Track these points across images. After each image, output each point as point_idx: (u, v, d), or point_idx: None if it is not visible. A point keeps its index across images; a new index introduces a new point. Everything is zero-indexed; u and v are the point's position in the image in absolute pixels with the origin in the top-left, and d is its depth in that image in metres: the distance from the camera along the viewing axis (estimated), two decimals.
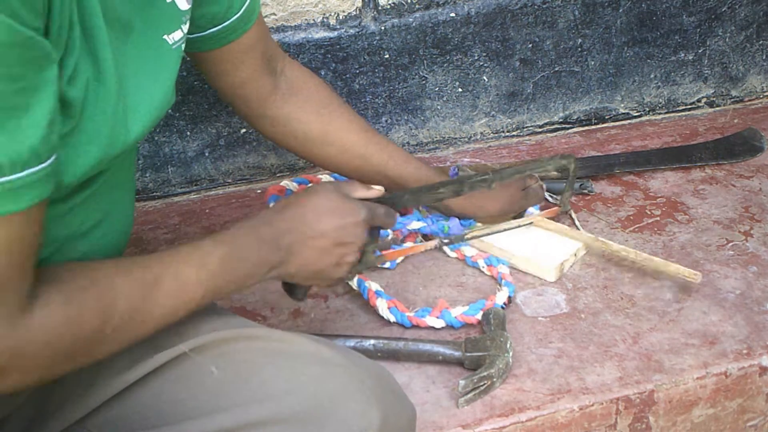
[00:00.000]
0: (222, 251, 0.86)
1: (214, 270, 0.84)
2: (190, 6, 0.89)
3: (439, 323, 1.18)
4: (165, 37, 0.86)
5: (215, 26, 1.03)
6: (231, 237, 0.88)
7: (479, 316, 1.18)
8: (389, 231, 1.31)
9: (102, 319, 0.75)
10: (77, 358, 0.76)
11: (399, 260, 1.32)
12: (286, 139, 1.22)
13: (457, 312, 1.18)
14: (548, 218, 1.36)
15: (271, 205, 1.43)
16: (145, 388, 0.86)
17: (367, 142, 1.23)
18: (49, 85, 0.66)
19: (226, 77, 1.12)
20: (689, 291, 1.26)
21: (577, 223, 1.41)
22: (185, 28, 0.89)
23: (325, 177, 1.49)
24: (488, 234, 1.29)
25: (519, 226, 1.32)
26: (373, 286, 1.23)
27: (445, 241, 1.22)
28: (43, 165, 0.67)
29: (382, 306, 1.20)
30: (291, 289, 1.05)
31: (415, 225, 1.32)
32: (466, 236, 1.27)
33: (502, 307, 1.20)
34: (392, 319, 1.19)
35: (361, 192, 1.01)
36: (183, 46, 0.90)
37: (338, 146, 1.22)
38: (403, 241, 1.34)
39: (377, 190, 1.03)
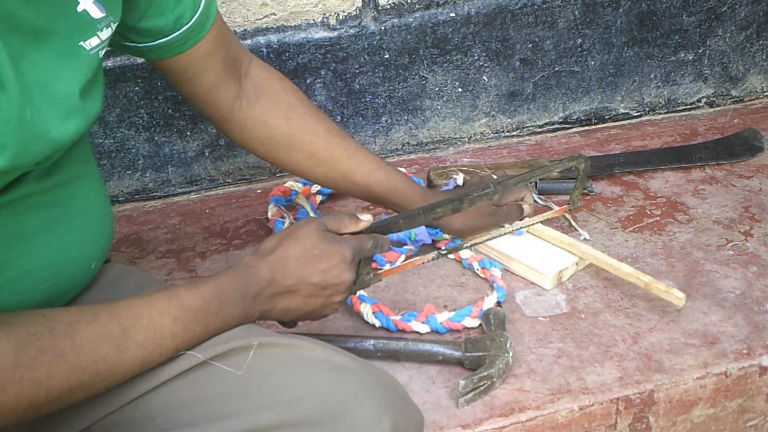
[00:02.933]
0: (199, 303, 0.85)
1: (189, 324, 0.84)
2: (104, 14, 0.88)
3: (425, 328, 1.17)
4: (81, 43, 0.85)
5: (165, 36, 1.02)
6: (211, 288, 0.87)
7: (465, 322, 1.18)
8: None
9: (65, 368, 0.74)
10: (43, 406, 0.74)
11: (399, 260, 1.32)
12: (253, 144, 1.19)
13: (443, 318, 1.17)
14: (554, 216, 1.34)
15: (271, 214, 1.43)
16: (154, 393, 0.86)
17: (335, 147, 1.20)
18: None
19: (190, 85, 1.10)
20: (689, 291, 1.26)
21: (574, 224, 1.41)
22: (103, 34, 0.88)
23: None
24: (485, 241, 1.28)
25: (512, 231, 1.29)
26: None
27: (443, 251, 1.21)
28: None
29: (366, 311, 1.19)
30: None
31: None
32: (465, 245, 1.26)
33: None
34: (377, 323, 1.18)
35: (351, 226, 1.00)
36: (102, 51, 0.89)
37: (304, 151, 1.19)
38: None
39: (366, 221, 1.01)
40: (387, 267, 1.23)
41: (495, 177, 1.47)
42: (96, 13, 0.87)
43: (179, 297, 0.84)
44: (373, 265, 1.23)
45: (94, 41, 0.87)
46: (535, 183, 1.49)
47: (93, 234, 0.93)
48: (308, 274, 0.94)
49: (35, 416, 0.75)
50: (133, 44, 1.02)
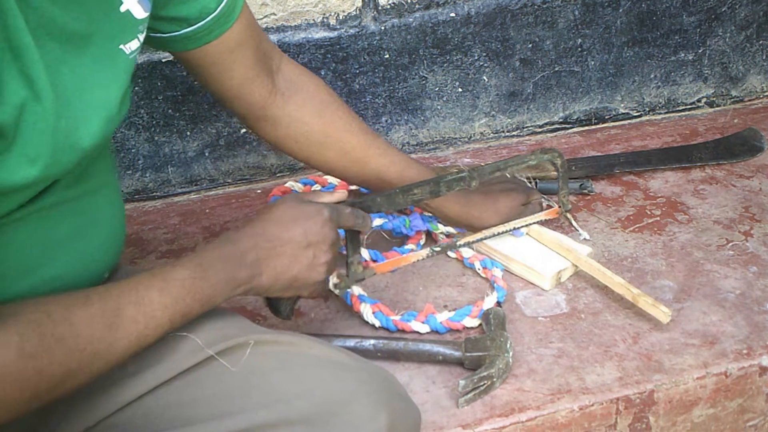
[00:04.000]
0: (184, 274, 0.85)
1: (178, 293, 0.84)
2: (147, 14, 0.88)
3: (424, 328, 1.17)
4: (121, 47, 0.84)
5: (190, 25, 1.00)
6: (193, 259, 0.87)
7: (465, 322, 1.18)
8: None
9: (65, 352, 0.74)
10: (44, 395, 0.74)
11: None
12: (286, 142, 1.19)
13: (443, 318, 1.17)
14: (548, 218, 1.35)
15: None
16: (152, 395, 0.86)
17: (368, 145, 1.20)
18: None
19: (220, 80, 1.09)
20: (689, 291, 1.26)
21: (574, 224, 1.41)
22: (141, 37, 0.88)
23: (330, 179, 1.49)
24: (479, 240, 1.28)
25: (507, 231, 1.30)
26: (356, 290, 1.21)
27: (436, 249, 1.21)
28: None
29: (366, 311, 1.19)
30: (275, 306, 1.03)
31: (377, 222, 1.31)
32: (457, 243, 1.27)
33: None
34: (377, 323, 1.18)
35: (325, 198, 1.02)
36: (137, 55, 0.89)
37: (338, 149, 1.19)
38: (405, 242, 1.34)
39: (341, 193, 1.03)
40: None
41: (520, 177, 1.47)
42: (139, 12, 0.86)
43: (162, 271, 0.84)
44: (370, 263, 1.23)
45: (133, 44, 0.86)
46: (536, 183, 1.49)
47: (110, 243, 0.93)
48: (290, 235, 0.94)
49: (37, 406, 0.75)
50: (158, 35, 1.00)
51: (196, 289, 0.85)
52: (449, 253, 1.34)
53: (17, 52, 0.70)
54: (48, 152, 0.74)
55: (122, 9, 0.84)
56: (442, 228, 1.33)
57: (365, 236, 1.26)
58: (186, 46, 1.03)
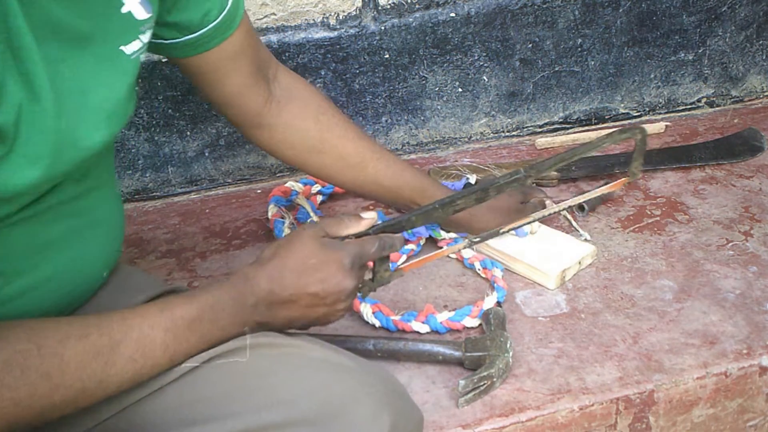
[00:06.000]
0: (193, 313, 0.83)
1: (182, 334, 0.82)
2: (150, 15, 0.87)
3: (425, 328, 1.17)
4: (122, 48, 0.84)
5: (192, 33, 1.00)
6: (206, 299, 0.85)
7: (465, 322, 1.18)
8: None
9: (49, 387, 0.72)
10: (21, 423, 0.73)
11: (400, 261, 1.31)
12: (281, 148, 1.18)
13: (443, 317, 1.17)
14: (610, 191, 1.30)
15: (275, 215, 1.42)
16: (153, 397, 0.85)
17: (363, 150, 1.20)
18: None
19: (218, 87, 1.09)
20: (689, 291, 1.26)
21: (574, 224, 1.40)
22: (145, 37, 0.87)
23: None
24: (507, 231, 1.23)
25: (533, 221, 1.25)
26: None
27: (476, 240, 1.16)
28: None
29: (366, 311, 1.19)
30: None
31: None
32: (475, 240, 1.24)
33: None
34: (377, 324, 1.18)
35: (352, 227, 0.97)
36: (143, 55, 0.88)
37: (334, 155, 1.19)
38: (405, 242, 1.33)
39: (369, 219, 0.98)
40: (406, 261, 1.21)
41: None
42: (141, 14, 0.86)
43: (172, 308, 0.82)
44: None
45: (135, 45, 0.85)
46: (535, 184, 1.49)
47: (108, 243, 0.92)
48: (305, 285, 0.90)
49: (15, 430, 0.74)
50: (160, 41, 1.01)
51: (203, 330, 0.84)
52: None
53: (17, 53, 0.70)
54: (49, 152, 0.74)
55: (123, 10, 0.84)
56: (444, 234, 1.33)
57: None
58: (186, 53, 1.03)
